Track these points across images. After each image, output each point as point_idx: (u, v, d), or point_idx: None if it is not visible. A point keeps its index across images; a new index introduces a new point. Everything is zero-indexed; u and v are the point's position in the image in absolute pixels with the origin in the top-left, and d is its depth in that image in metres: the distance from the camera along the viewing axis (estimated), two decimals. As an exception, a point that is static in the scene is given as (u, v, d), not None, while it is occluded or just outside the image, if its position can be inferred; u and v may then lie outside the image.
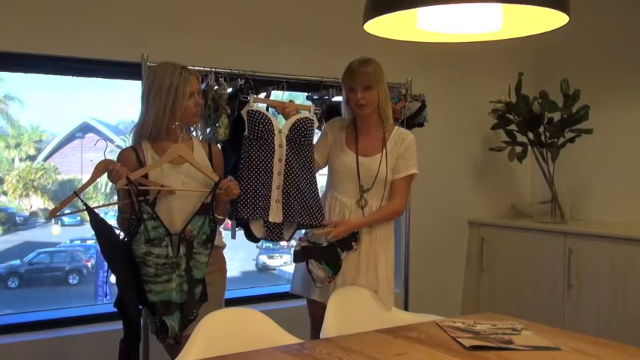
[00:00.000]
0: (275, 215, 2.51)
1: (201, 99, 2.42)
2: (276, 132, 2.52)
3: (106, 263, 2.27)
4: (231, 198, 2.37)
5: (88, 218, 2.20)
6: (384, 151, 2.62)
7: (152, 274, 2.19)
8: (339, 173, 2.65)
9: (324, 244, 2.57)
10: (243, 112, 2.54)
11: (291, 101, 2.74)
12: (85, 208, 2.18)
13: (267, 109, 2.68)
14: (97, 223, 2.20)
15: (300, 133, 2.54)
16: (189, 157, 2.32)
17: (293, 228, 2.56)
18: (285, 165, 2.52)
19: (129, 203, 2.19)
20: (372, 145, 2.65)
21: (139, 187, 2.20)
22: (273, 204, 2.50)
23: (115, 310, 2.36)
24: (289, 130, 2.54)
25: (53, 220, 2.00)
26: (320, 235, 2.55)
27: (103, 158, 2.23)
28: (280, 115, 2.67)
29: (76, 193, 2.18)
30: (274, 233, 2.52)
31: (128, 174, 2.18)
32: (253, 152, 2.51)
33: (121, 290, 2.25)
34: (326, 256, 2.55)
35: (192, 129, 2.49)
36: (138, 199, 2.17)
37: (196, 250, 2.27)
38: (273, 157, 2.51)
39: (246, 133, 2.52)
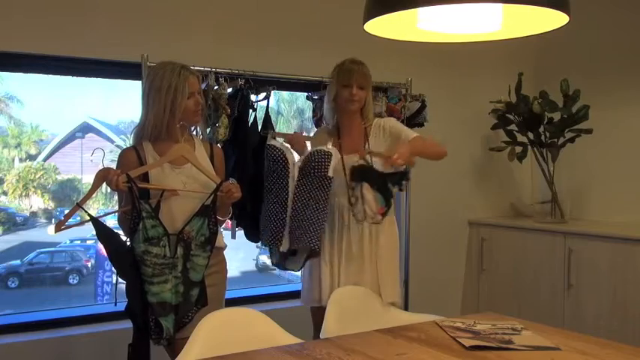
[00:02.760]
0: (283, 245, 2.56)
1: (202, 98, 2.40)
2: (290, 166, 2.55)
3: (114, 269, 2.25)
4: (233, 201, 2.35)
5: (87, 217, 2.18)
6: (367, 144, 2.65)
7: (150, 274, 2.17)
8: None
9: (380, 170, 2.56)
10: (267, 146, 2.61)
11: (297, 133, 2.80)
12: (89, 219, 2.16)
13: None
14: (103, 232, 2.18)
15: (310, 165, 2.53)
16: (192, 158, 2.30)
17: (301, 258, 2.62)
18: (294, 196, 2.55)
19: (130, 202, 2.18)
20: (355, 142, 2.67)
21: (140, 186, 2.19)
22: (285, 234, 2.56)
23: (116, 310, 2.36)
24: (302, 162, 2.56)
25: (55, 233, 2.00)
26: (378, 157, 2.53)
27: (102, 167, 2.21)
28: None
29: (79, 205, 2.16)
30: (280, 261, 2.65)
31: (124, 180, 2.17)
32: (271, 185, 2.58)
33: (129, 297, 2.24)
34: (378, 183, 2.54)
35: (192, 128, 2.48)
36: (137, 197, 2.16)
37: (194, 252, 2.25)
38: (287, 190, 2.56)
39: (265, 167, 2.60)
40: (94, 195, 2.30)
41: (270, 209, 2.57)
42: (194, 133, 2.52)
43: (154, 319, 2.18)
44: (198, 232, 2.25)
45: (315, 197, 2.53)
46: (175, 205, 2.27)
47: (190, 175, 2.31)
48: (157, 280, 2.18)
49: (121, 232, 2.29)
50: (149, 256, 2.17)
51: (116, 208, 2.31)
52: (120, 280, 2.27)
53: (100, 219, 2.17)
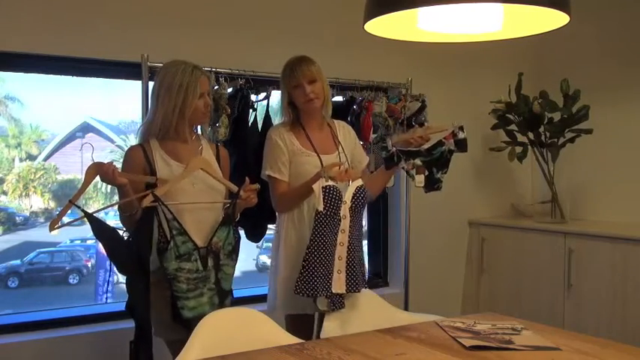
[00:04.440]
0: (338, 286, 2.39)
1: (211, 100, 2.39)
2: (342, 204, 2.41)
3: (110, 265, 2.24)
4: (249, 206, 2.35)
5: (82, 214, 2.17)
6: (340, 146, 2.64)
7: (184, 290, 2.17)
8: (306, 177, 2.50)
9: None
10: (317, 188, 2.35)
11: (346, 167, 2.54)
12: (83, 215, 2.14)
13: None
14: (99, 228, 2.17)
15: (361, 204, 2.45)
16: (211, 170, 2.30)
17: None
18: (348, 236, 2.43)
19: (135, 204, 2.16)
20: (326, 142, 2.63)
21: (166, 203, 2.17)
22: (335, 275, 2.39)
23: (115, 310, 2.34)
24: (352, 201, 2.43)
25: (50, 232, 1.96)
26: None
27: (92, 161, 2.19)
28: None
29: (72, 202, 2.13)
30: (337, 303, 2.39)
31: (118, 171, 2.15)
32: (325, 228, 2.36)
33: (130, 292, 2.23)
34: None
35: (194, 127, 2.47)
36: (165, 216, 2.14)
37: (223, 262, 2.26)
38: (338, 229, 2.40)
39: (321, 209, 2.34)
40: (86, 190, 2.29)
41: (322, 254, 2.35)
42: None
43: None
44: (225, 242, 2.27)
45: (360, 235, 2.51)
46: (186, 213, 2.25)
47: (199, 177, 2.30)
48: (193, 294, 2.18)
49: (118, 227, 2.28)
50: (182, 272, 2.17)
51: (109, 204, 2.30)
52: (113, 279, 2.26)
53: (95, 215, 2.16)
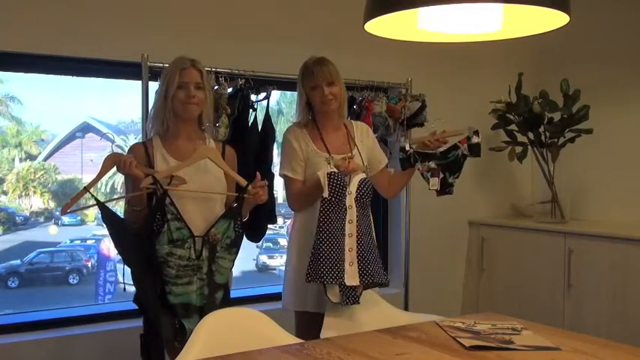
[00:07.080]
0: (351, 278, 2.39)
1: (203, 93, 2.32)
2: (347, 193, 2.43)
3: (120, 255, 2.26)
4: (259, 203, 2.34)
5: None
6: (356, 147, 2.64)
7: (173, 276, 2.17)
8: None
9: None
10: (322, 174, 2.38)
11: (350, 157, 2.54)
12: (95, 203, 2.17)
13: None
14: (109, 217, 2.19)
15: (366, 195, 2.47)
16: (218, 160, 2.30)
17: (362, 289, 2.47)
18: (356, 226, 2.44)
19: (145, 199, 2.19)
20: (340, 142, 2.63)
21: (165, 188, 2.17)
22: (347, 267, 2.39)
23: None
24: (357, 192, 2.44)
25: (62, 216, 1.98)
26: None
27: (111, 152, 2.23)
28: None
29: (87, 189, 2.17)
30: (350, 296, 2.39)
31: (136, 164, 2.18)
32: (331, 214, 2.39)
33: (136, 285, 2.24)
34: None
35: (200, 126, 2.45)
36: (164, 200, 2.14)
37: (219, 254, 2.25)
38: (345, 219, 2.42)
39: (326, 194, 2.36)
40: (102, 179, 2.32)
41: (330, 242, 2.38)
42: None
43: (179, 321, 2.17)
44: (224, 235, 2.26)
45: (369, 227, 2.51)
46: (192, 203, 2.25)
47: (202, 169, 2.29)
48: (181, 281, 2.18)
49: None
50: (173, 257, 2.17)
51: (120, 195, 2.32)
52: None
53: (106, 204, 2.18)
